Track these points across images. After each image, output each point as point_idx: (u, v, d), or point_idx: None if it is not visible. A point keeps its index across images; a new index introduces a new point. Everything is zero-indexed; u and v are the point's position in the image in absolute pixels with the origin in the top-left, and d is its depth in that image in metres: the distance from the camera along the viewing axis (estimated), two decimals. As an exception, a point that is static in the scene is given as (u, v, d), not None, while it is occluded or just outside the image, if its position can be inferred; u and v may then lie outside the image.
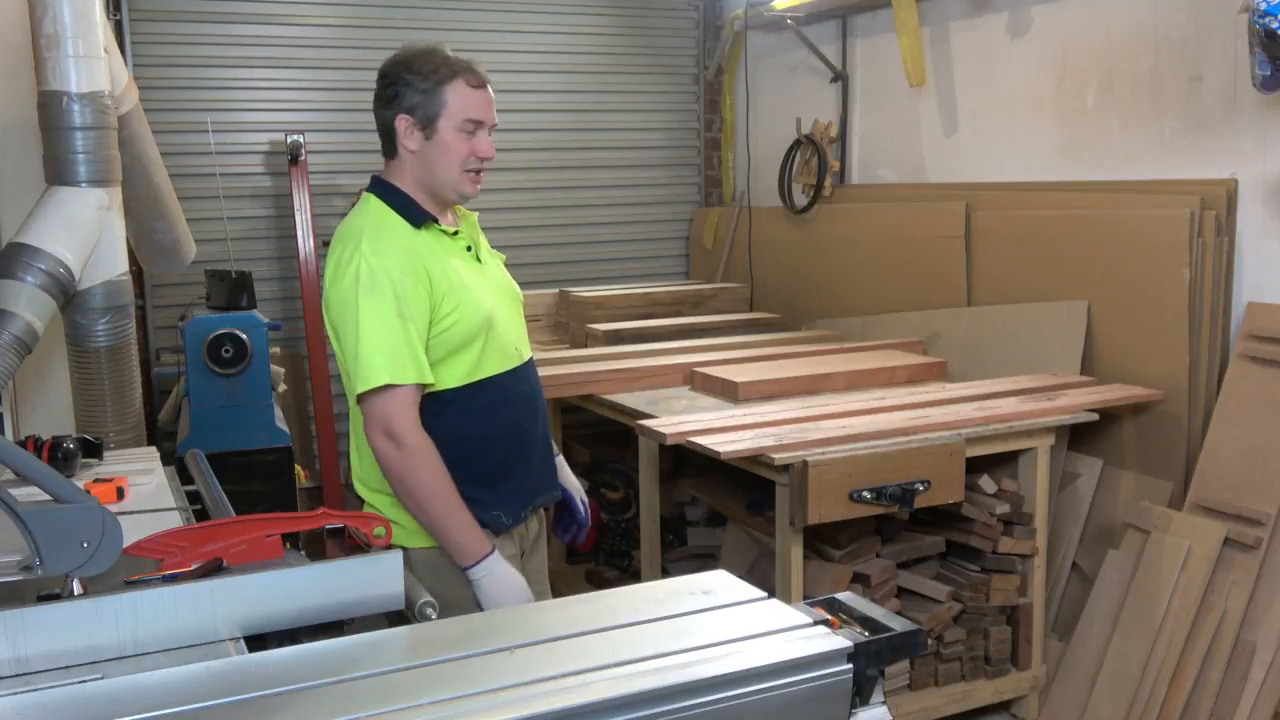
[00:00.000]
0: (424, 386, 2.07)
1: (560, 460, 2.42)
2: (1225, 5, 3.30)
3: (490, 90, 2.14)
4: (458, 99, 2.08)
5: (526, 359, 2.26)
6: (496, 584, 2.05)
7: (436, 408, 2.11)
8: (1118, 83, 3.75)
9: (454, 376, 2.11)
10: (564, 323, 4.74)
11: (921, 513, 3.28)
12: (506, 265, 2.39)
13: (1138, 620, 3.20)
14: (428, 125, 2.09)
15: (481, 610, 2.05)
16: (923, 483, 2.95)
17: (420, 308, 2.04)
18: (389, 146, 2.17)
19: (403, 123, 2.11)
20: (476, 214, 2.35)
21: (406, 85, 2.09)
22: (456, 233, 2.19)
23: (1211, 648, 3.08)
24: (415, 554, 2.11)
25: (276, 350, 4.40)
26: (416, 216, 2.12)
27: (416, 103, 2.09)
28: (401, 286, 2.02)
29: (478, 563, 2.05)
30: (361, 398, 2.04)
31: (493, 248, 2.38)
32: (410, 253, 2.07)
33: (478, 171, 2.14)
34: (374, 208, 2.15)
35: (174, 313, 4.70)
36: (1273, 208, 3.33)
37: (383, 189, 2.17)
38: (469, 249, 2.21)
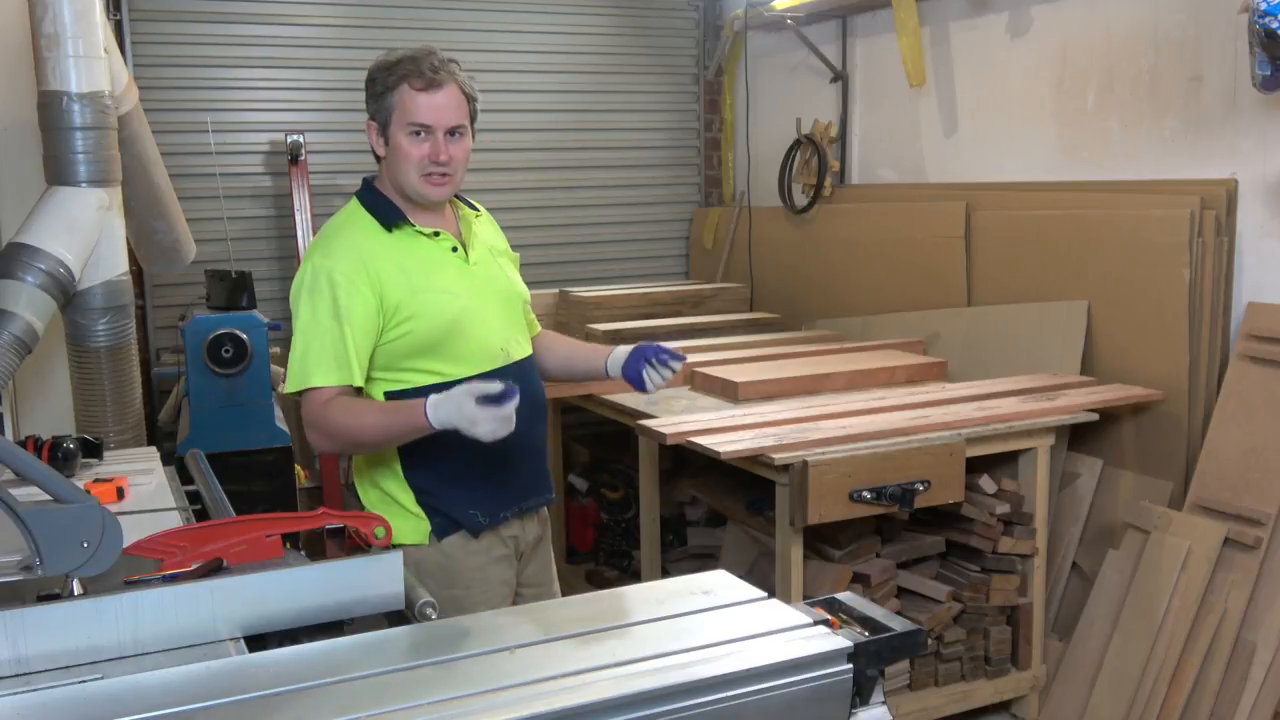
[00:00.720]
0: (352, 388, 2.09)
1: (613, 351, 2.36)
2: (1225, 5, 3.30)
3: (448, 91, 2.11)
4: (403, 104, 2.09)
5: (516, 359, 2.24)
6: (449, 410, 1.96)
7: None
8: (1118, 83, 3.75)
9: (423, 376, 2.12)
10: (564, 323, 4.74)
11: (921, 513, 3.28)
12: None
13: (1138, 620, 3.20)
14: (384, 130, 2.14)
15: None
16: (923, 483, 2.95)
17: (361, 309, 2.06)
18: (373, 149, 2.21)
19: (370, 128, 2.17)
20: (484, 213, 2.36)
21: (368, 92, 2.15)
22: (437, 234, 2.18)
23: (1211, 648, 3.08)
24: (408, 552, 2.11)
25: (276, 350, 4.39)
26: (388, 218, 2.14)
27: (375, 109, 2.14)
28: (341, 288, 2.06)
29: (427, 412, 1.98)
30: (296, 395, 2.10)
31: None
32: (362, 255, 2.09)
33: (440, 174, 2.13)
34: (350, 209, 2.20)
35: (174, 313, 4.70)
36: (1273, 208, 3.33)
37: (365, 190, 2.21)
38: (455, 250, 2.20)
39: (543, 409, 2.32)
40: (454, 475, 2.16)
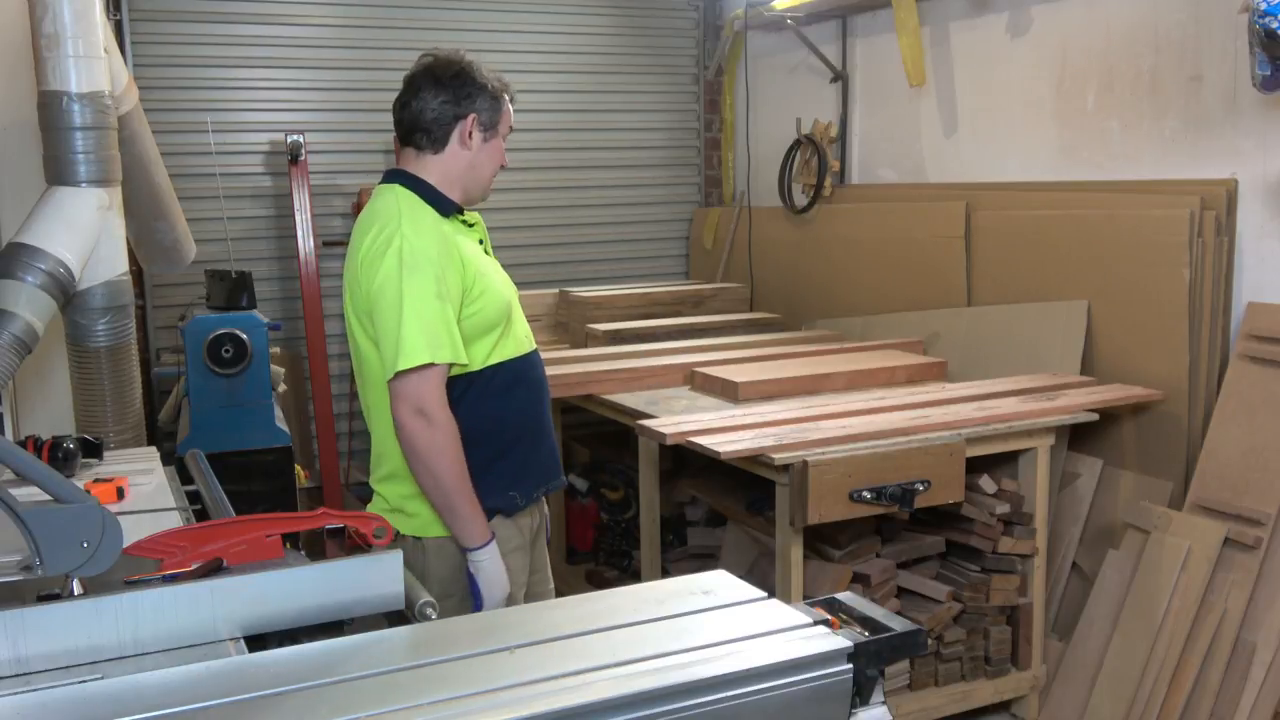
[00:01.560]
0: (452, 367, 2.15)
1: None
2: (1225, 5, 3.30)
3: None
4: (509, 112, 2.30)
5: (536, 346, 2.38)
6: (495, 569, 2.18)
7: (461, 387, 2.19)
8: (1118, 83, 3.75)
9: (478, 358, 2.20)
10: (564, 323, 4.74)
11: (921, 513, 3.28)
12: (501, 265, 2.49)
13: (1138, 620, 3.20)
14: (490, 129, 2.25)
15: (476, 595, 2.16)
16: (923, 483, 2.95)
17: (455, 290, 2.14)
18: (436, 140, 2.22)
19: (470, 123, 2.22)
20: (479, 212, 2.44)
21: (480, 90, 2.23)
22: (473, 225, 2.31)
23: (1211, 648, 3.08)
24: (430, 543, 2.22)
25: (276, 350, 4.40)
26: (444, 206, 2.22)
27: (486, 106, 2.23)
28: (440, 268, 2.11)
29: (484, 545, 2.15)
30: (398, 375, 2.08)
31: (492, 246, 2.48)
32: (443, 237, 2.16)
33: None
34: (402, 194, 2.21)
35: (174, 313, 4.70)
36: (1273, 208, 3.33)
37: (407, 180, 2.23)
38: (481, 242, 2.33)
39: (550, 393, 2.45)
40: (496, 456, 2.24)
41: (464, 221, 2.27)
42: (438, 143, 2.23)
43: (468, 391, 2.20)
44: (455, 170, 2.24)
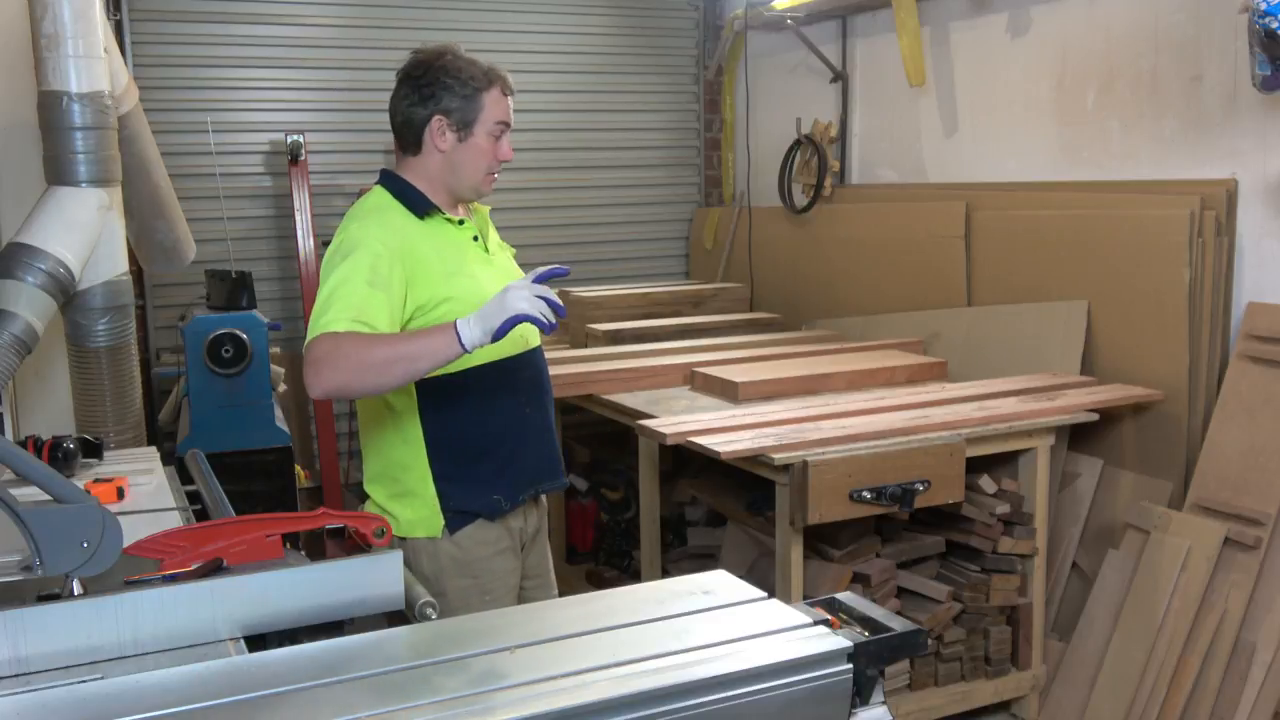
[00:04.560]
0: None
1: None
2: (1225, 5, 3.30)
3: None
4: (494, 105, 2.18)
5: (534, 346, 2.31)
6: (491, 309, 1.94)
7: (438, 389, 2.16)
8: (1118, 83, 3.75)
9: (466, 359, 2.13)
10: (564, 322, 4.74)
11: (921, 513, 3.28)
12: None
13: (1138, 620, 3.20)
14: (464, 128, 2.18)
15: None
16: (923, 483, 2.95)
17: (398, 284, 2.06)
18: (410, 143, 2.21)
19: (438, 123, 2.17)
20: (488, 208, 2.40)
21: (446, 88, 2.16)
22: (462, 222, 2.25)
23: (1211, 648, 3.08)
24: (413, 544, 2.20)
25: (276, 350, 4.40)
26: (420, 206, 2.19)
27: (455, 106, 2.16)
28: (379, 257, 2.05)
29: (462, 337, 1.94)
30: (307, 345, 2.00)
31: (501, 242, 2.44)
32: (400, 234, 2.11)
33: (495, 175, 2.25)
34: (378, 194, 2.23)
35: (174, 313, 4.70)
36: (1273, 208, 3.33)
37: (390, 180, 2.24)
38: (476, 239, 2.27)
39: (551, 393, 2.40)
40: (480, 457, 2.21)
41: (448, 220, 2.21)
42: (412, 145, 2.20)
43: (447, 392, 2.17)
44: (433, 171, 2.20)
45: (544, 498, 2.43)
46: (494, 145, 2.20)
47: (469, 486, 2.20)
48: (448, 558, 2.20)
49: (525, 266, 2.52)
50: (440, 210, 2.20)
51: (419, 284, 2.11)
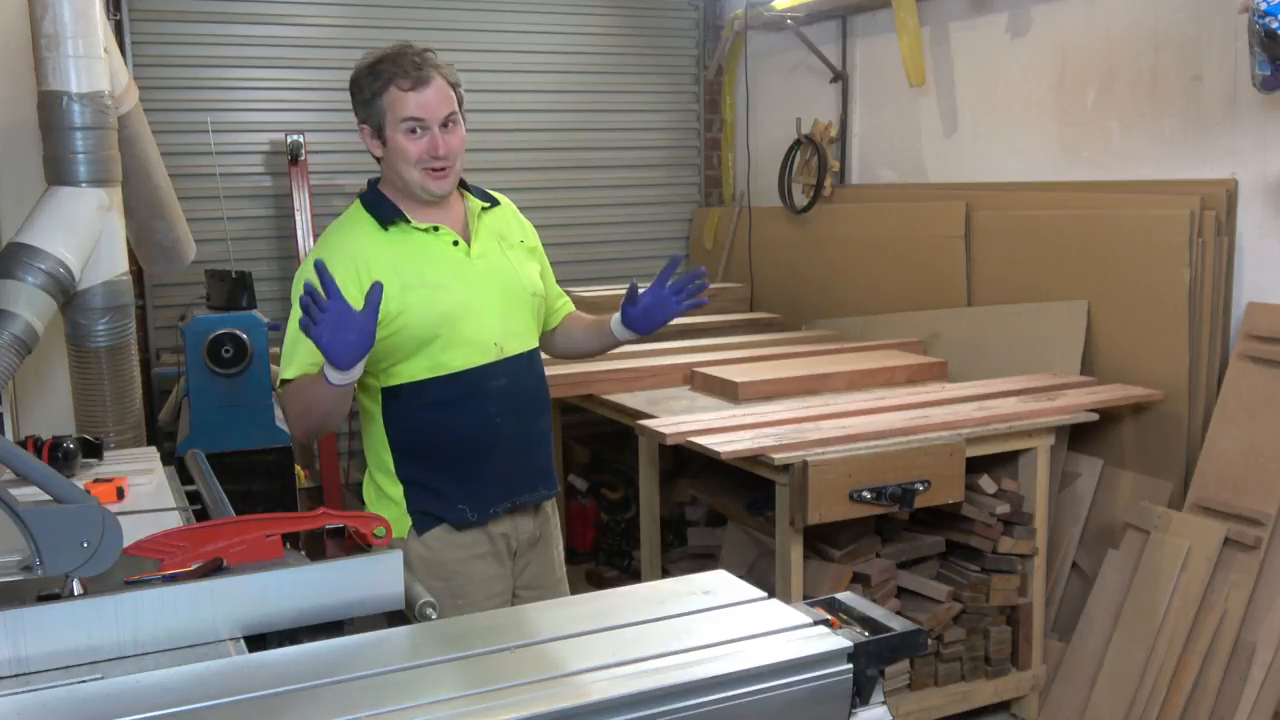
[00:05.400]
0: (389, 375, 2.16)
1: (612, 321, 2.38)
2: (1225, 5, 3.30)
3: (435, 86, 2.12)
4: (393, 105, 2.11)
5: (511, 354, 2.23)
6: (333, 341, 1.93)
7: (396, 395, 2.17)
8: (1118, 83, 3.75)
9: (417, 370, 2.15)
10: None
11: (921, 513, 3.28)
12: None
13: (1138, 620, 3.20)
14: (379, 133, 2.15)
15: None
16: (923, 483, 2.95)
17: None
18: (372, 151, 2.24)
19: (364, 133, 2.19)
20: (510, 204, 2.38)
21: (355, 99, 2.17)
22: (436, 229, 2.19)
23: (1211, 648, 3.08)
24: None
25: (276, 350, 4.39)
26: (385, 216, 2.17)
27: (366, 114, 2.15)
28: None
29: (325, 375, 1.96)
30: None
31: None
32: (354, 255, 2.11)
33: (438, 169, 2.14)
34: (352, 210, 2.24)
35: (174, 313, 4.70)
36: (1273, 208, 3.33)
37: (368, 190, 2.24)
38: (456, 244, 2.20)
39: (541, 402, 2.32)
40: (445, 465, 2.19)
41: (416, 228, 2.16)
42: (374, 154, 2.21)
43: (410, 402, 2.16)
44: (388, 176, 2.21)
45: (548, 507, 2.37)
46: (415, 142, 2.11)
47: (432, 493, 2.19)
48: (416, 558, 2.17)
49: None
50: (405, 219, 2.16)
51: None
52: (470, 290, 2.18)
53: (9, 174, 3.35)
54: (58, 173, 3.04)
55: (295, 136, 4.75)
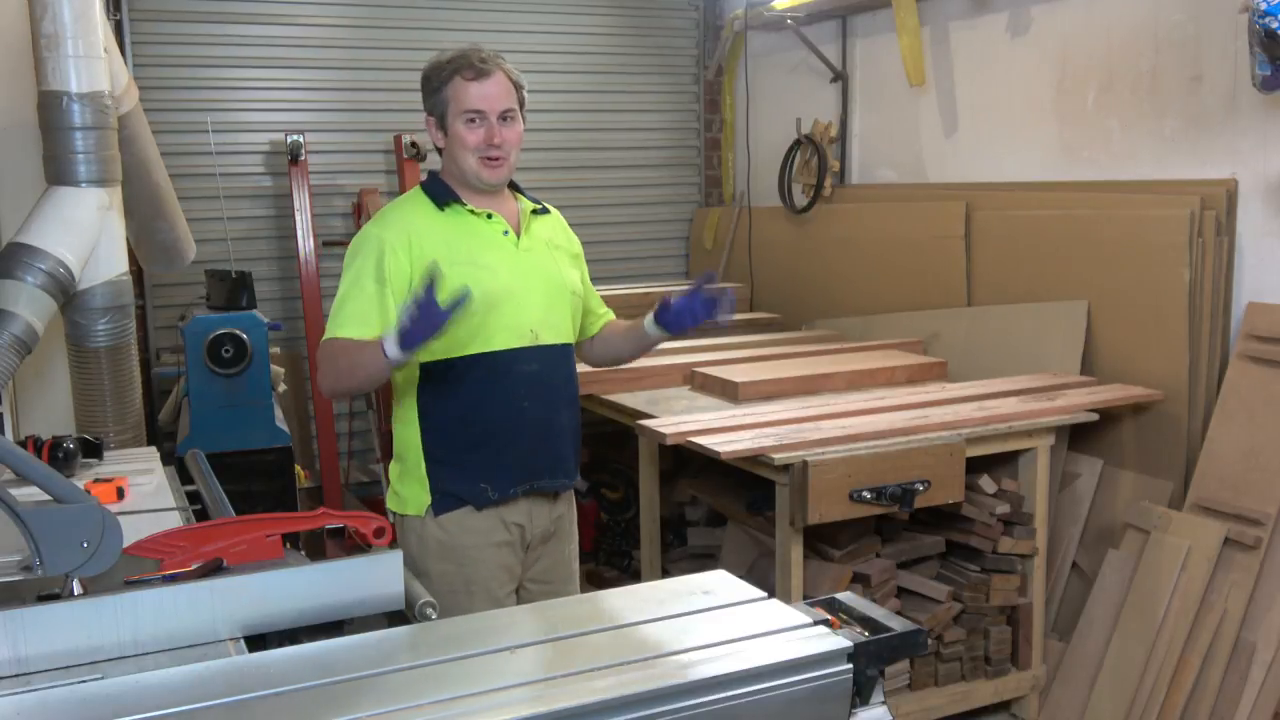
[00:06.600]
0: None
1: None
2: (1225, 5, 3.30)
3: (496, 79, 2.25)
4: (457, 95, 2.24)
5: (546, 343, 2.32)
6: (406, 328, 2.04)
7: (434, 373, 2.24)
8: (1118, 83, 3.75)
9: (454, 346, 2.21)
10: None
11: (921, 513, 3.28)
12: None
13: (1138, 620, 3.20)
14: (442, 123, 2.29)
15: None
16: (923, 483, 2.95)
17: (399, 275, 2.19)
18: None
19: (429, 123, 2.32)
20: (560, 216, 2.47)
21: (423, 91, 2.30)
22: (490, 215, 2.30)
23: (1211, 648, 3.08)
24: (399, 520, 2.30)
25: (276, 350, 4.40)
26: (440, 197, 2.29)
27: (432, 104, 2.29)
28: (386, 254, 2.20)
29: (391, 346, 2.05)
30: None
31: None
32: (409, 227, 2.24)
33: (494, 158, 2.26)
34: (411, 191, 2.38)
35: (174, 313, 4.70)
36: (1273, 208, 3.33)
37: (429, 178, 2.37)
38: (506, 233, 2.31)
39: (569, 395, 2.40)
40: (471, 445, 2.26)
41: (471, 211, 2.28)
42: (436, 145, 2.36)
43: (446, 376, 2.24)
44: (446, 165, 2.34)
45: (564, 502, 2.42)
46: (473, 132, 2.24)
47: (457, 472, 2.26)
48: (433, 539, 2.27)
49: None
50: (460, 201, 2.28)
51: (423, 268, 2.17)
52: (515, 276, 2.28)
53: (9, 174, 3.35)
54: (58, 173, 3.04)
55: (295, 136, 4.75)
